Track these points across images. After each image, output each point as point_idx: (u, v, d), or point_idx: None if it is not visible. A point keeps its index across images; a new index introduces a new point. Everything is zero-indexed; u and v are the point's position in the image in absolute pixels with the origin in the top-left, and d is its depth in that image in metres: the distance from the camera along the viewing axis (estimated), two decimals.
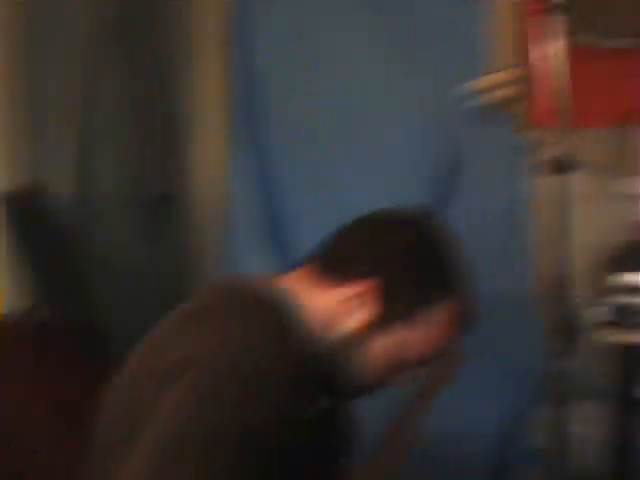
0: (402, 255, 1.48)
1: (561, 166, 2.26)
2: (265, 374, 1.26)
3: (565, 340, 2.37)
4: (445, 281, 1.50)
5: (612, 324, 1.95)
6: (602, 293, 2.01)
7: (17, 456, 1.92)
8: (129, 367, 1.44)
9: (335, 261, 1.50)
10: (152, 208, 3.06)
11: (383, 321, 1.45)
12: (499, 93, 2.40)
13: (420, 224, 1.54)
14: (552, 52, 2.31)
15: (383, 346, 1.46)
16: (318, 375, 1.47)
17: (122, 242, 2.93)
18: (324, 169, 2.90)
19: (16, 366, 2.06)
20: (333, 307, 1.46)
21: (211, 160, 3.09)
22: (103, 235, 2.86)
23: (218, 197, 3.03)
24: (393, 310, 1.46)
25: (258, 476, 1.24)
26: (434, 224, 1.56)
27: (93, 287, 2.62)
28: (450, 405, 2.90)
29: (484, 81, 2.42)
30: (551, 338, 2.67)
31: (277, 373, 1.28)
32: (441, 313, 1.49)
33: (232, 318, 1.37)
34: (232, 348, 1.29)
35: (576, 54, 2.34)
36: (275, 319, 1.38)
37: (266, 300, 1.42)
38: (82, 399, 2.05)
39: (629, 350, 2.05)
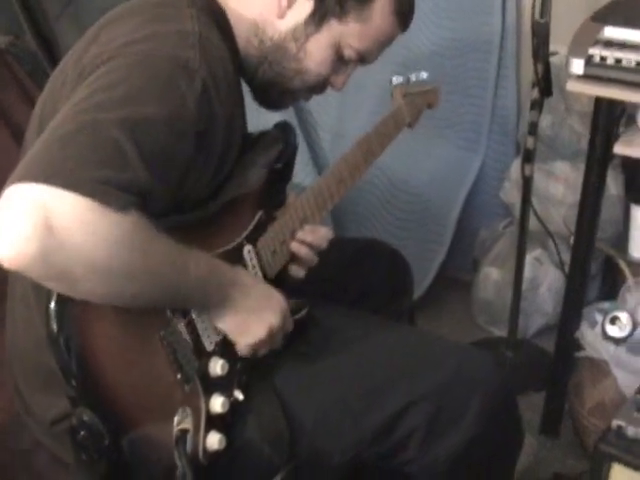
0: None
1: None
2: (185, 66, 1.19)
3: (540, 92, 2.26)
4: None
5: (587, 77, 1.82)
6: (580, 45, 1.87)
7: None
8: (58, 69, 1.39)
9: None
10: None
11: (315, 18, 1.43)
12: None
13: None
14: None
15: (318, 44, 1.44)
16: (252, 80, 1.48)
17: None
18: None
19: None
20: (262, 9, 1.43)
21: None
22: None
23: None
24: (326, 6, 1.42)
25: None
26: None
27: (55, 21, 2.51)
28: (421, 150, 2.89)
29: None
30: (527, 91, 2.58)
31: (200, 66, 1.21)
32: (378, 9, 1.44)
33: (152, 19, 1.29)
34: (148, 41, 1.22)
35: None
36: (198, 20, 1.29)
37: (188, 0, 1.34)
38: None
39: (601, 105, 1.94)
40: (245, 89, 1.52)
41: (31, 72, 2.26)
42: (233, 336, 1.35)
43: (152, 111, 1.14)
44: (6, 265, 1.03)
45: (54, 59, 2.43)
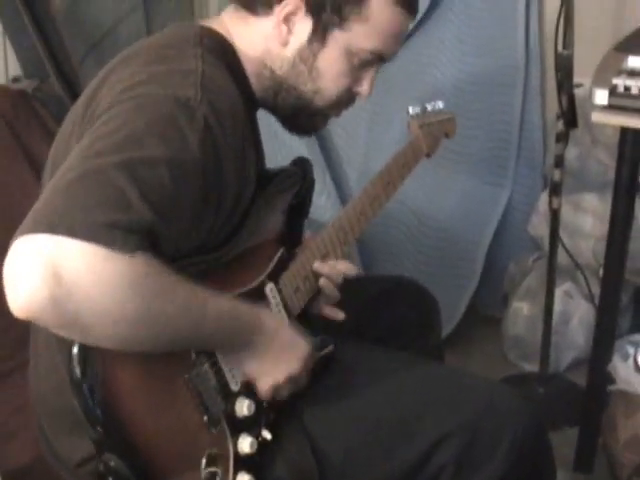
0: None
1: None
2: (186, 105, 1.20)
3: (565, 124, 2.26)
4: None
5: (612, 108, 1.81)
6: (604, 75, 1.87)
7: None
8: (70, 114, 1.41)
9: None
10: None
11: (317, 34, 1.40)
12: None
13: None
14: None
15: (328, 59, 1.42)
16: (276, 110, 1.49)
17: (116, 18, 2.82)
18: None
19: None
20: (266, 44, 1.43)
21: None
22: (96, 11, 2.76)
23: None
24: (325, 20, 1.39)
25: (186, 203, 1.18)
26: None
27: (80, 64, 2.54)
28: (448, 186, 2.89)
29: None
30: (552, 124, 2.57)
31: (205, 108, 1.21)
32: (376, 5, 1.40)
33: (154, 60, 1.30)
34: (148, 83, 1.23)
35: None
36: (202, 59, 1.30)
37: (195, 41, 1.36)
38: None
39: (626, 135, 1.93)
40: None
41: (57, 115, 2.28)
42: (253, 377, 1.34)
43: (153, 152, 1.14)
44: (19, 316, 1.04)
45: None
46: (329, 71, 1.43)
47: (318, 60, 1.42)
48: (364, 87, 1.48)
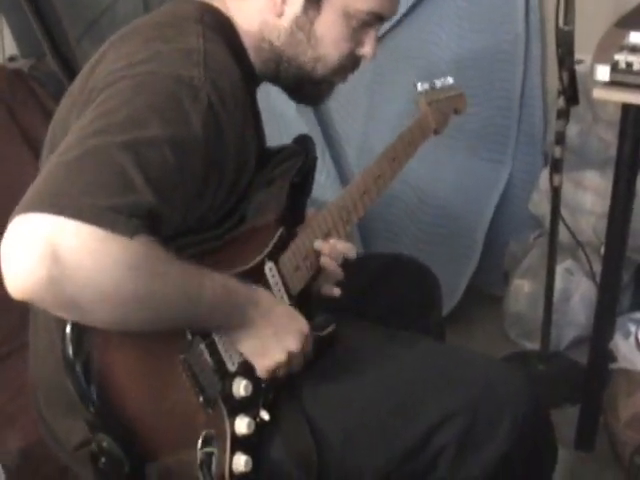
0: None
1: None
2: (189, 84, 1.19)
3: (566, 101, 2.24)
4: None
5: (613, 84, 1.80)
6: (606, 52, 1.85)
7: None
8: (68, 92, 1.39)
9: None
10: None
11: (313, 2, 1.40)
12: None
13: None
14: None
15: (326, 24, 1.42)
16: (278, 81, 1.48)
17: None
18: None
19: None
20: (262, 17, 1.42)
21: None
22: None
23: None
24: None
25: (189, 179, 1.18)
26: None
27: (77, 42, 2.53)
28: (448, 163, 2.87)
29: None
30: (553, 100, 2.55)
31: (205, 85, 1.20)
32: None
33: (155, 38, 1.29)
34: (150, 61, 1.22)
35: None
36: (204, 37, 1.29)
37: (196, 18, 1.35)
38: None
39: (628, 111, 1.91)
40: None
41: (54, 94, 2.27)
42: (251, 358, 1.33)
43: (156, 132, 1.13)
44: (16, 297, 1.03)
45: None
46: (328, 36, 1.42)
47: (315, 27, 1.41)
48: (366, 49, 1.47)
